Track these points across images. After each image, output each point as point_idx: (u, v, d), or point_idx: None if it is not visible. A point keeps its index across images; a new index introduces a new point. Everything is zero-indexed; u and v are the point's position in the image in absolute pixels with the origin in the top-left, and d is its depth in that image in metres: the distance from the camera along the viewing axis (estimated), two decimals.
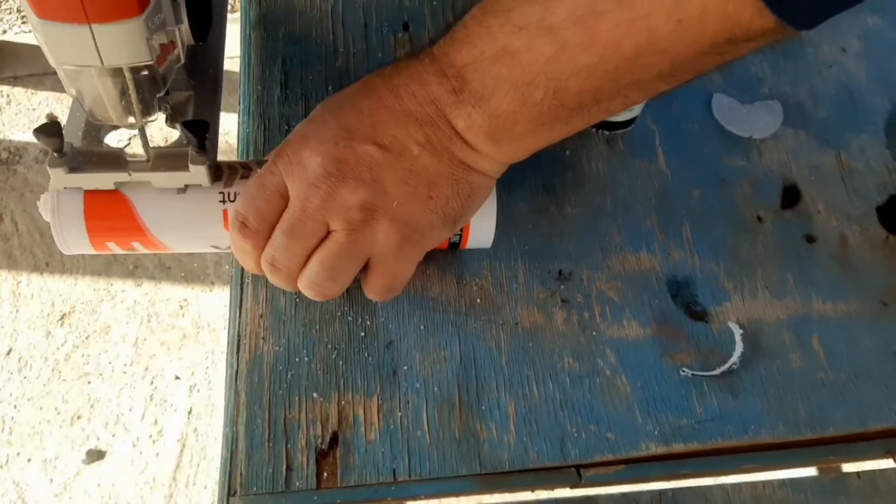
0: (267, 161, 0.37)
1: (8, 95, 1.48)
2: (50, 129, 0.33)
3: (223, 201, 0.38)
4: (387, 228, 0.35)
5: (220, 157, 0.39)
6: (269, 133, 0.48)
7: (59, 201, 0.37)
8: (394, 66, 0.37)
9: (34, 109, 1.47)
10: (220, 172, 0.39)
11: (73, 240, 0.38)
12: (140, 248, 0.39)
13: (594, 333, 0.44)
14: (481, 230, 0.41)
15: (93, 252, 0.39)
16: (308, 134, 0.36)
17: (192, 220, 0.38)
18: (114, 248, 0.39)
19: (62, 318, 1.26)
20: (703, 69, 0.33)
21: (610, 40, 0.30)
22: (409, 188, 0.35)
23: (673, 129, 0.52)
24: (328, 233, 0.36)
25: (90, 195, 0.37)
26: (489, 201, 0.40)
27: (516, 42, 0.32)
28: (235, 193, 0.38)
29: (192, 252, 0.42)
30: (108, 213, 0.37)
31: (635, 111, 0.50)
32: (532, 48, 0.32)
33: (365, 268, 0.38)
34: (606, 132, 0.51)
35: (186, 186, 0.38)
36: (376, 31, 0.53)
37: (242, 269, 0.44)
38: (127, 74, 0.32)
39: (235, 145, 0.49)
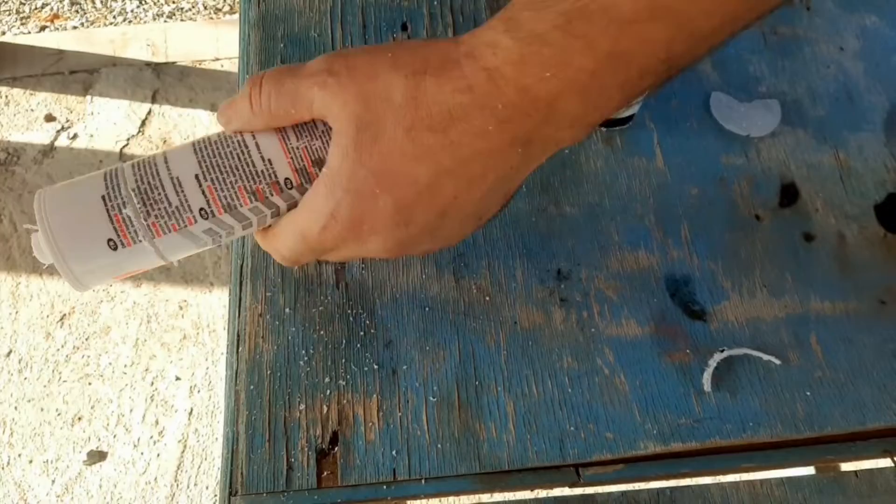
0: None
1: (6, 96, 1.48)
2: None
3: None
4: (380, 243, 0.32)
5: None
6: None
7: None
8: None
9: (32, 110, 1.46)
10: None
11: None
12: None
13: (593, 332, 0.44)
14: None
15: None
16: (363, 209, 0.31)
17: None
18: None
19: (62, 319, 1.26)
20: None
21: None
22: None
23: (671, 128, 0.53)
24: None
25: None
26: None
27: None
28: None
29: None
30: None
31: (633, 108, 0.50)
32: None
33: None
34: (604, 129, 0.51)
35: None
36: (375, 31, 0.53)
37: (241, 267, 0.44)
38: None
39: None
